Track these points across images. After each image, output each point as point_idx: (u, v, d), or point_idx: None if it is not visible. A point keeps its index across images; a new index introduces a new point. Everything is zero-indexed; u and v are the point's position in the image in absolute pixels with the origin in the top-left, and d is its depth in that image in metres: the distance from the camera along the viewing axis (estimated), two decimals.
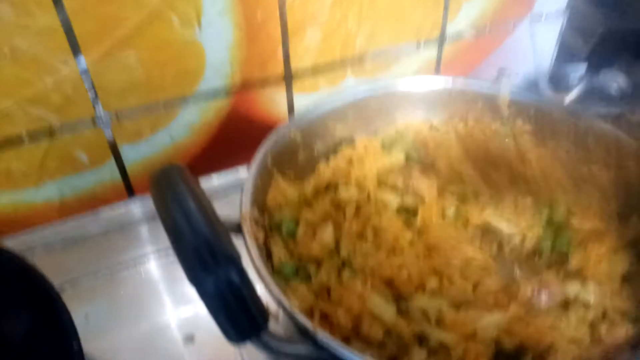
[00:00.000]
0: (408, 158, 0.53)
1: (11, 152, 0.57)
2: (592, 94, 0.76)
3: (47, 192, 0.62)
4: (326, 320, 0.39)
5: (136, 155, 0.65)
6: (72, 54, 0.54)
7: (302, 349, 0.32)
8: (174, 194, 0.30)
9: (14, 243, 0.59)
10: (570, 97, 0.53)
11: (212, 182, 0.65)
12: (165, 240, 0.30)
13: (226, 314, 0.28)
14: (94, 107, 0.58)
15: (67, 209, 0.64)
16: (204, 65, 0.62)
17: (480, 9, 0.74)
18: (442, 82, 0.57)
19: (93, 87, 0.57)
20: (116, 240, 0.57)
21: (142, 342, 0.48)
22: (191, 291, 0.29)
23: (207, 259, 0.27)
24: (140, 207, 0.63)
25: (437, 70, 0.78)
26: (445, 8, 0.72)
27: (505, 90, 0.54)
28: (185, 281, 0.29)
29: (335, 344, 0.32)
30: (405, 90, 0.57)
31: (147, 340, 0.48)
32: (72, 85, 0.56)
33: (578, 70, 0.56)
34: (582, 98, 0.75)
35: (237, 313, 0.28)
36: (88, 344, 0.48)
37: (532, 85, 0.87)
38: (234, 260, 0.27)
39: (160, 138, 0.65)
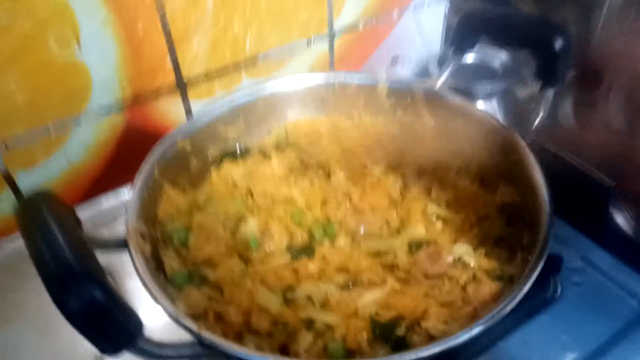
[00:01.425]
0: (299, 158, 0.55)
1: None
2: (478, 73, 0.82)
3: None
4: (221, 319, 0.40)
5: (35, 182, 0.64)
6: None
7: (185, 350, 0.34)
8: (37, 224, 0.31)
9: None
10: (441, 81, 0.56)
11: (116, 199, 0.65)
12: None
13: (94, 329, 0.29)
14: None
15: None
16: (90, 83, 0.62)
17: (362, 1, 0.77)
18: (324, 78, 0.59)
19: None
20: (18, 270, 0.56)
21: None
22: None
23: (67, 281, 0.28)
24: None
25: (331, 64, 0.81)
26: (329, 3, 0.74)
27: (383, 81, 0.57)
28: None
29: (218, 341, 0.34)
30: (291, 90, 0.59)
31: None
32: None
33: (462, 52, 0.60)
34: (468, 77, 0.80)
35: (105, 327, 0.29)
36: None
37: (424, 71, 0.92)
38: (95, 279, 0.28)
39: (57, 162, 0.64)
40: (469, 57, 0.84)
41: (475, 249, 0.46)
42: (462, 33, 0.55)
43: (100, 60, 0.60)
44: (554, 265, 0.51)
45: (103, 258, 0.47)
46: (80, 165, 0.66)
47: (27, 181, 0.63)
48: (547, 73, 0.50)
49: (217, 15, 0.66)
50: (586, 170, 0.75)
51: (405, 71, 0.90)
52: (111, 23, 0.59)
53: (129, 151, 0.68)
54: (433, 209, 0.49)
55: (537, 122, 0.51)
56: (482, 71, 0.82)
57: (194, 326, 0.35)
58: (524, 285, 0.36)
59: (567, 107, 0.68)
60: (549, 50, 0.48)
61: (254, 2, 0.67)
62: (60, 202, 0.35)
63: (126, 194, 0.68)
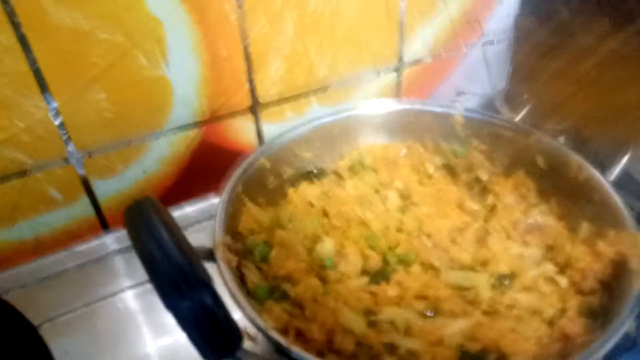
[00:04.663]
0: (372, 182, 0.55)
1: None
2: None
3: (21, 232, 0.63)
4: (301, 336, 0.41)
5: (109, 190, 0.66)
6: (42, 96, 0.56)
7: None
8: (146, 226, 0.32)
9: None
10: (521, 115, 0.57)
11: (185, 211, 0.66)
12: (141, 273, 0.32)
13: (202, 334, 0.30)
14: (65, 146, 0.60)
15: (42, 247, 0.65)
16: (172, 101, 0.64)
17: (433, 34, 0.78)
18: (399, 105, 0.60)
19: (64, 127, 0.59)
20: (92, 275, 0.58)
21: None
22: (169, 321, 0.30)
23: (181, 284, 0.29)
24: (114, 241, 0.64)
25: (398, 94, 0.82)
26: (401, 35, 0.76)
27: (460, 111, 0.58)
28: (162, 311, 0.30)
29: (308, 358, 0.34)
30: (366, 114, 0.60)
31: None
32: (44, 126, 0.57)
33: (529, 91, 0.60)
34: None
35: (212, 333, 0.30)
36: None
37: (489, 105, 0.92)
38: (207, 285, 0.29)
39: (133, 172, 0.67)
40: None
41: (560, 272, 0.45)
42: (531, 74, 0.55)
43: (184, 80, 0.63)
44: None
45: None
46: (153, 176, 0.68)
47: (103, 189, 0.65)
48: None
49: (295, 42, 0.68)
50: None
51: (470, 105, 0.90)
52: (198, 46, 0.61)
53: (201, 165, 0.70)
54: (524, 250, 0.49)
55: (625, 159, 0.50)
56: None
57: (284, 340, 0.35)
58: (622, 325, 0.35)
59: None
60: None
61: (331, 32, 0.69)
62: (164, 208, 0.36)
63: (187, 209, 0.69)
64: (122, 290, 0.58)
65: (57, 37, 0.54)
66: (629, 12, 0.92)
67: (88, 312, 0.54)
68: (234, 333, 0.31)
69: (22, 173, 0.59)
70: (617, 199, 0.46)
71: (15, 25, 0.51)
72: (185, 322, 0.29)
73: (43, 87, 0.56)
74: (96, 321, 0.50)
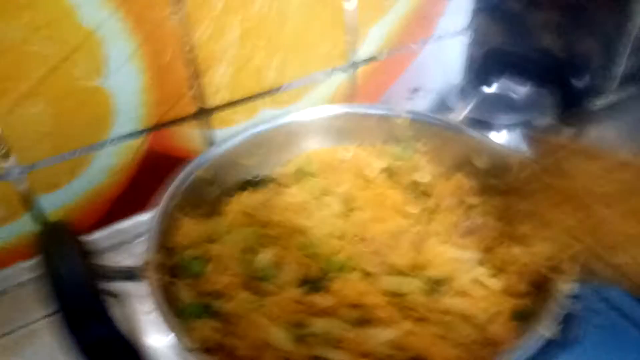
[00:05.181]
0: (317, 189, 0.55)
1: None
2: (500, 104, 0.82)
3: None
4: (231, 354, 0.40)
5: (56, 203, 0.65)
6: None
7: None
8: (52, 259, 0.31)
9: None
10: (463, 114, 0.56)
11: (124, 226, 0.66)
12: None
13: None
14: (4, 162, 0.59)
15: None
16: (115, 111, 0.63)
17: (384, 33, 0.78)
18: (342, 109, 0.59)
19: (2, 141, 0.57)
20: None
21: None
22: None
23: (81, 317, 0.28)
24: None
25: (352, 94, 0.81)
26: (350, 36, 0.75)
27: (402, 114, 0.57)
28: None
29: None
30: (309, 120, 0.59)
31: None
32: None
33: (484, 85, 0.60)
34: (490, 109, 0.80)
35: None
36: None
37: (444, 101, 0.92)
38: (105, 319, 0.29)
39: (79, 184, 0.66)
40: (491, 89, 0.84)
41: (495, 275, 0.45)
42: (486, 68, 0.55)
43: (125, 89, 0.62)
44: (574, 305, 0.50)
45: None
46: (101, 187, 0.67)
47: (49, 202, 0.64)
48: (567, 111, 0.49)
49: (241, 46, 0.67)
50: None
51: (425, 102, 0.90)
52: (137, 54, 0.60)
53: (149, 174, 0.69)
54: (460, 254, 0.48)
55: None
56: (504, 102, 0.81)
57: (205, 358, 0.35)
58: (548, 326, 0.35)
59: None
60: (569, 89, 0.48)
61: (277, 34, 0.69)
62: (73, 236, 0.35)
63: (146, 215, 0.68)
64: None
65: None
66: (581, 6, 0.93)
67: (29, 332, 0.53)
68: (133, 358, 0.31)
69: None
70: None
71: None
72: (86, 352, 0.28)
73: None
74: (42, 338, 0.49)
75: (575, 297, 0.50)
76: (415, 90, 0.89)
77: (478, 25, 0.87)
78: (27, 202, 0.63)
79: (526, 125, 0.79)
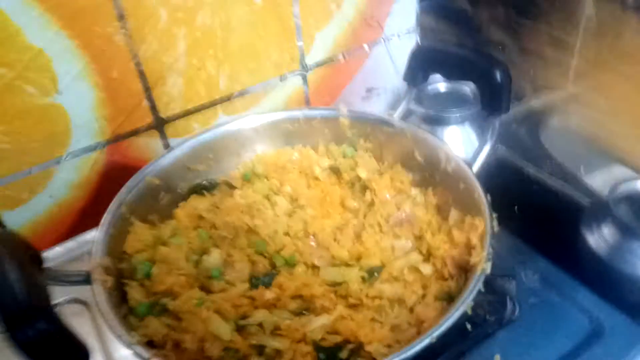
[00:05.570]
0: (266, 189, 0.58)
1: None
2: (451, 100, 0.85)
3: None
4: (178, 347, 0.43)
5: (20, 220, 0.67)
6: None
7: None
8: None
9: None
10: (398, 112, 0.59)
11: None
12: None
13: (45, 357, 0.31)
14: None
15: None
16: (70, 126, 0.66)
17: (332, 37, 0.81)
18: (288, 113, 0.62)
19: None
20: None
21: None
22: None
23: (18, 315, 0.31)
24: None
25: (306, 98, 0.84)
26: (299, 41, 0.78)
27: (344, 114, 0.60)
28: None
29: None
30: (257, 124, 0.62)
31: None
32: None
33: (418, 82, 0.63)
34: (440, 105, 0.84)
35: (55, 354, 0.32)
36: None
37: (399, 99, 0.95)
38: (42, 312, 0.31)
39: (41, 200, 0.68)
40: (441, 86, 0.88)
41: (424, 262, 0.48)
42: (414, 68, 0.58)
43: (79, 105, 0.64)
44: (508, 286, 0.53)
45: (81, 291, 0.50)
46: (64, 201, 0.69)
47: (13, 219, 0.66)
48: (492, 104, 0.52)
49: (189, 57, 0.70)
50: (560, 188, 0.78)
51: (380, 101, 0.93)
52: (87, 71, 0.63)
53: (111, 186, 0.71)
54: (395, 242, 0.51)
55: (486, 150, 0.54)
56: (454, 98, 0.85)
57: (145, 353, 0.38)
58: (461, 304, 0.38)
59: None
60: (491, 82, 0.51)
61: (225, 44, 0.71)
62: (20, 240, 0.38)
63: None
64: None
65: None
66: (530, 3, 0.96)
67: None
68: (77, 353, 0.33)
69: None
70: (478, 187, 0.49)
71: None
72: (25, 349, 0.31)
73: None
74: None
75: (510, 276, 0.54)
76: (370, 90, 0.92)
77: (425, 24, 0.91)
78: None
79: (478, 119, 0.82)
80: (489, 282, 0.51)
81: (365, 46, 0.85)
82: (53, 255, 0.68)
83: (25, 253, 0.37)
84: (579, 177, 0.80)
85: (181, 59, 0.69)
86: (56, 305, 0.55)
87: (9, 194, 0.65)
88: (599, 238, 0.62)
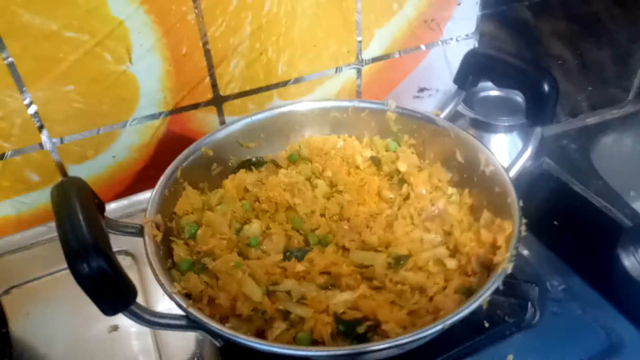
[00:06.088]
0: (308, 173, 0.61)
1: None
2: (502, 106, 0.86)
3: (3, 209, 0.71)
4: (212, 303, 0.47)
5: (83, 174, 0.74)
6: (17, 89, 0.63)
7: (171, 320, 0.41)
8: (64, 204, 0.39)
9: None
10: (444, 113, 0.61)
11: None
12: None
13: (98, 293, 0.36)
14: (40, 134, 0.67)
15: (24, 223, 0.73)
16: (138, 94, 0.71)
17: (391, 34, 0.83)
18: (339, 102, 0.65)
19: (38, 116, 0.66)
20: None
21: (74, 332, 0.57)
22: None
23: (80, 252, 0.35)
24: None
25: (358, 91, 0.87)
26: (358, 36, 0.81)
27: (392, 109, 0.63)
28: None
29: (199, 316, 0.41)
30: (308, 110, 0.65)
31: (78, 331, 0.57)
32: (19, 115, 0.65)
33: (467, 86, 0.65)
34: (491, 111, 0.85)
35: (106, 292, 0.36)
36: (29, 335, 0.56)
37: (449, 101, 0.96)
38: (102, 252, 0.36)
39: (104, 158, 0.74)
40: (494, 93, 0.89)
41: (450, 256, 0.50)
42: (464, 72, 0.60)
43: (148, 75, 0.70)
44: (531, 292, 0.54)
45: (131, 244, 0.55)
46: (124, 162, 0.75)
47: (77, 172, 0.73)
48: (536, 114, 0.54)
49: (253, 41, 0.74)
50: (602, 207, 0.78)
51: (431, 102, 0.95)
52: (159, 45, 0.68)
53: (167, 153, 0.76)
54: (424, 235, 0.54)
55: (524, 157, 0.55)
56: (506, 106, 0.86)
57: (183, 302, 0.42)
58: (478, 298, 0.41)
59: None
60: (537, 92, 0.52)
61: (287, 32, 0.75)
62: (85, 187, 0.43)
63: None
64: None
65: (27, 35, 0.61)
66: (594, 15, 0.95)
67: (52, 281, 0.61)
68: (128, 292, 0.38)
69: (1, 156, 0.66)
70: (512, 192, 0.51)
71: None
72: (83, 283, 0.35)
73: (17, 80, 0.63)
74: (57, 288, 0.56)
75: (535, 283, 0.55)
76: (422, 90, 0.94)
77: (485, 31, 0.92)
78: (60, 170, 0.71)
79: (525, 128, 0.83)
80: (513, 285, 0.53)
81: (423, 47, 0.87)
82: (109, 210, 0.74)
83: (90, 198, 0.42)
84: (623, 199, 0.79)
85: (245, 42, 0.73)
86: None
87: (77, 150, 0.71)
88: (635, 260, 0.62)
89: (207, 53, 0.72)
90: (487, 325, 0.51)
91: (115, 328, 0.57)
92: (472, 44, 0.92)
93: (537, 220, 0.70)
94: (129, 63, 0.68)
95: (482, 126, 0.82)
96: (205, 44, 0.71)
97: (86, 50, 0.65)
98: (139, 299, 0.52)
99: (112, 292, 0.37)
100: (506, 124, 0.82)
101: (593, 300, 0.57)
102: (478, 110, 0.84)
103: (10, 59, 0.61)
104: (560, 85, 0.52)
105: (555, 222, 0.73)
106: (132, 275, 0.62)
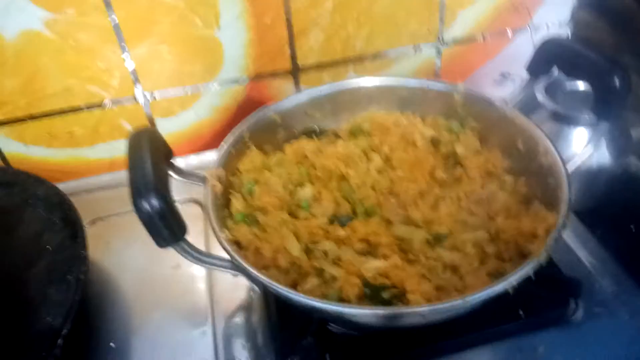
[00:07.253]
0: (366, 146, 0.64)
1: (72, 118, 0.76)
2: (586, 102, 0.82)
3: (100, 152, 0.81)
4: (258, 252, 0.52)
5: (169, 127, 0.82)
6: (119, 46, 0.71)
7: (216, 260, 0.46)
8: (136, 151, 0.45)
9: (74, 185, 0.78)
10: (513, 101, 0.61)
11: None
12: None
13: (154, 227, 0.42)
14: (135, 88, 0.75)
15: (115, 165, 0.82)
16: (223, 58, 0.77)
17: (475, 17, 0.82)
18: (408, 82, 0.67)
19: (135, 72, 0.74)
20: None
21: (143, 264, 0.64)
22: None
23: (142, 191, 0.41)
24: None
25: (437, 72, 0.87)
26: (441, 15, 0.81)
27: (460, 91, 0.63)
28: None
29: (242, 262, 0.45)
30: (375, 86, 0.67)
31: (146, 264, 0.64)
32: (119, 69, 0.73)
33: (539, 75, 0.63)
34: (576, 104, 0.81)
35: (159, 227, 0.42)
36: (106, 261, 0.65)
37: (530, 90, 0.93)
38: (160, 193, 0.41)
39: (188, 115, 0.81)
40: (580, 84, 0.85)
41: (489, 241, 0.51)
42: (537, 61, 0.59)
43: (233, 42, 0.75)
44: (573, 288, 0.54)
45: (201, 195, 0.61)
46: (204, 121, 0.82)
47: (164, 126, 0.81)
48: (603, 109, 0.52)
49: (334, 14, 0.76)
50: None
51: (513, 87, 0.92)
52: (245, 13, 0.73)
53: (244, 116, 0.82)
54: (468, 217, 0.55)
55: (586, 153, 0.54)
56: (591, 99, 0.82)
57: (228, 247, 0.47)
58: (503, 281, 0.42)
59: None
60: (606, 86, 0.51)
61: (368, 7, 0.77)
62: (156, 137, 0.49)
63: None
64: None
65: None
66: None
67: (131, 218, 0.69)
68: (179, 229, 0.43)
69: (101, 105, 0.75)
70: (565, 184, 0.50)
71: None
72: (142, 217, 0.41)
73: (120, 39, 0.71)
74: (136, 225, 0.64)
75: (580, 280, 0.54)
76: (505, 75, 0.92)
77: (580, 19, 0.87)
78: (150, 122, 0.79)
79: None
80: (556, 278, 0.53)
81: (509, 31, 0.85)
82: (188, 162, 0.81)
83: (160, 147, 0.48)
84: None
85: (326, 15, 0.76)
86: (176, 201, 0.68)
87: (166, 105, 0.79)
88: None
89: (289, 24, 0.75)
90: (521, 313, 0.51)
91: (177, 266, 0.64)
92: (565, 32, 0.88)
93: (606, 221, 0.68)
94: (217, 29, 0.73)
95: (563, 118, 0.79)
96: (287, 14, 0.74)
97: (179, 14, 0.71)
98: (200, 243, 0.58)
99: (164, 227, 0.42)
100: (587, 117, 0.79)
101: None
102: (560, 102, 0.81)
103: (116, 20, 0.69)
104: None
105: (632, 227, 0.70)
106: (199, 223, 0.70)
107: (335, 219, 0.56)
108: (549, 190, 0.52)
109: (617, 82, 0.49)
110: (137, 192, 0.41)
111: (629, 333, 0.52)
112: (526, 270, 0.43)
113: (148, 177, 0.42)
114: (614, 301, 0.55)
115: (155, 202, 0.41)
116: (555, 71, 0.60)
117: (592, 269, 0.59)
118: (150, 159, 0.44)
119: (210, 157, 0.79)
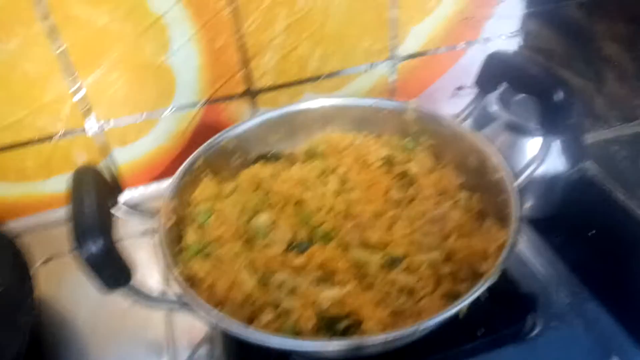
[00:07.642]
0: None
1: (23, 152, 0.74)
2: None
3: (53, 185, 0.79)
4: (211, 288, 0.51)
5: (125, 157, 0.80)
6: (70, 76, 0.69)
7: (162, 302, 0.45)
8: (76, 190, 0.44)
9: (28, 221, 0.75)
10: (462, 116, 0.61)
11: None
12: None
13: (97, 273, 0.41)
14: (87, 117, 0.74)
15: None
16: (175, 84, 0.76)
17: (427, 32, 0.83)
18: (360, 101, 0.67)
19: (87, 101, 0.72)
20: None
21: (99, 301, 0.62)
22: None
23: (85, 235, 0.40)
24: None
25: (393, 88, 0.88)
26: (394, 32, 0.81)
27: (411, 109, 0.63)
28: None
29: (190, 300, 0.44)
30: (328, 107, 0.67)
31: (102, 300, 0.62)
32: (70, 99, 0.71)
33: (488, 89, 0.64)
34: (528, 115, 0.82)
35: (105, 272, 0.41)
36: (60, 300, 0.63)
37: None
38: (102, 235, 0.40)
39: (144, 143, 0.80)
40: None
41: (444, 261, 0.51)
42: (484, 75, 0.59)
43: (185, 67, 0.74)
44: (529, 303, 0.54)
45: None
46: (162, 147, 0.81)
47: (120, 156, 0.79)
48: (549, 124, 0.53)
49: (287, 36, 0.76)
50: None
51: (468, 101, 0.93)
52: (196, 38, 0.72)
53: (202, 141, 0.81)
54: (421, 239, 0.55)
55: (533, 167, 0.54)
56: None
57: (182, 285, 0.46)
58: (454, 307, 0.42)
59: None
60: (550, 102, 0.51)
61: (321, 28, 0.77)
62: (99, 174, 0.48)
63: None
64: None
65: (78, 26, 0.67)
66: None
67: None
68: (124, 272, 0.42)
69: (51, 137, 0.74)
70: (513, 201, 0.51)
71: (46, 16, 0.64)
72: (85, 263, 0.40)
73: (70, 68, 0.69)
74: None
75: (536, 295, 0.55)
76: (460, 88, 0.93)
77: (530, 29, 0.89)
78: (103, 153, 0.78)
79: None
80: (512, 295, 0.53)
81: (462, 45, 0.86)
82: (146, 192, 0.80)
83: (104, 186, 0.46)
84: None
85: (279, 37, 0.76)
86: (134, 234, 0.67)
87: (121, 134, 0.78)
88: None
89: (242, 47, 0.75)
90: (479, 333, 0.51)
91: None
92: (515, 43, 0.89)
93: (562, 229, 0.69)
94: (168, 54, 0.73)
95: (518, 129, 0.80)
96: (240, 38, 0.74)
97: (129, 43, 0.70)
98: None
99: (108, 273, 0.41)
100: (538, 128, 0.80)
101: (603, 322, 0.55)
102: (514, 112, 0.82)
103: (64, 49, 0.67)
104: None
105: (590, 233, 0.71)
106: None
107: (293, 246, 0.55)
108: (499, 207, 0.53)
109: (560, 97, 0.50)
110: (76, 236, 0.40)
111: (585, 345, 0.53)
112: (479, 291, 0.43)
113: (87, 221, 0.41)
114: (569, 313, 0.56)
115: (99, 248, 0.40)
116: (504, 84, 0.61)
117: (548, 281, 0.59)
118: (88, 201, 0.43)
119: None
